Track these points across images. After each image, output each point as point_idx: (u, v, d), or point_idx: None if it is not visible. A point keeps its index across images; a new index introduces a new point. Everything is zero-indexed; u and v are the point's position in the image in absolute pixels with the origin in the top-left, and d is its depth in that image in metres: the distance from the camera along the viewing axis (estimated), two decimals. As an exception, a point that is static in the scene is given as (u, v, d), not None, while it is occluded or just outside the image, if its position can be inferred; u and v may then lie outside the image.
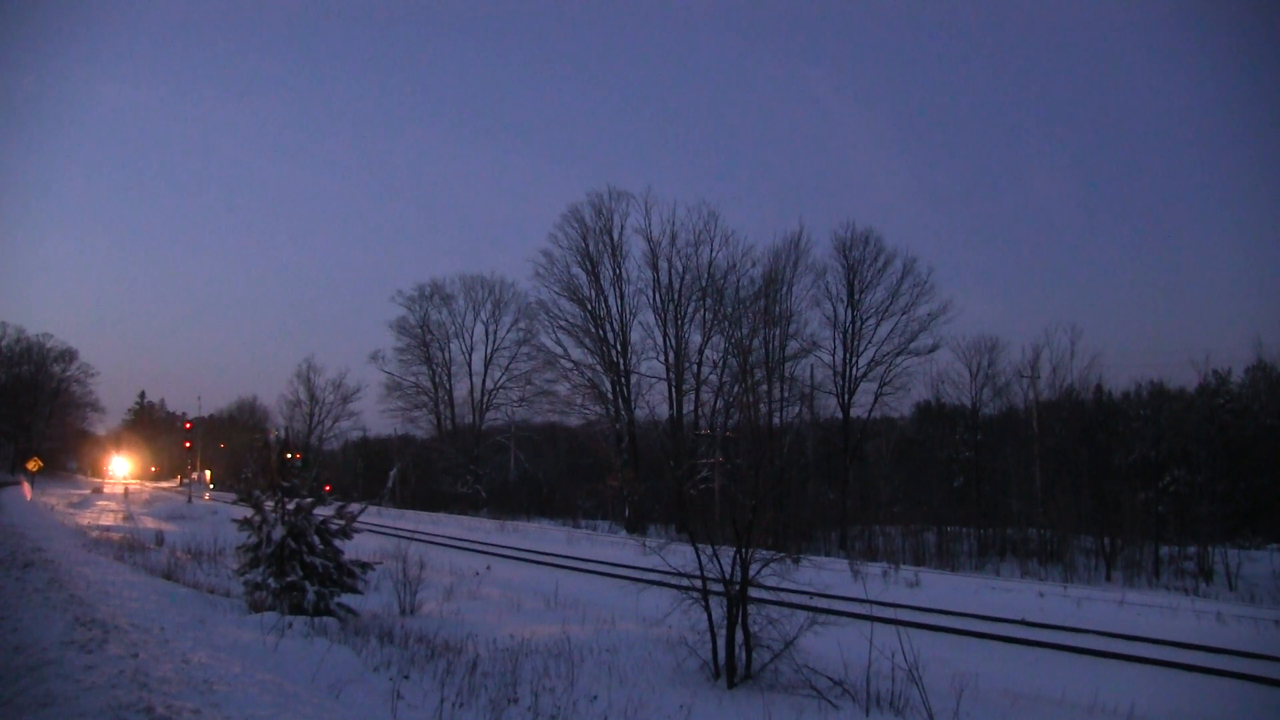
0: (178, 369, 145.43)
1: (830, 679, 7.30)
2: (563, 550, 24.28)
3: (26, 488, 40.67)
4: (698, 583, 8.19)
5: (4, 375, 74.46)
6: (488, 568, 18.62)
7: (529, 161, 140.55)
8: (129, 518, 28.47)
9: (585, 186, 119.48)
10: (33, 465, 54.16)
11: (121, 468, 47.73)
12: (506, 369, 57.19)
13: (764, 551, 8.52)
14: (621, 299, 45.22)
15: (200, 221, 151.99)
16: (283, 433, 62.58)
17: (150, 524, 26.40)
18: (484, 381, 58.04)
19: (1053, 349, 39.47)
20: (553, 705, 6.38)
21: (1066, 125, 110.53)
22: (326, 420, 71.37)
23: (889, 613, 9.10)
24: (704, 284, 42.88)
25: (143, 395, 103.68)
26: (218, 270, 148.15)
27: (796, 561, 11.32)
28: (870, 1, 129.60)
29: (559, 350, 47.51)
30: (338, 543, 10.34)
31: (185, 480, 59.88)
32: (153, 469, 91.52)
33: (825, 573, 17.05)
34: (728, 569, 8.11)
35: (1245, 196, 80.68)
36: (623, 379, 44.56)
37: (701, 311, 43.18)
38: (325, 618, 9.44)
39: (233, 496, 11.96)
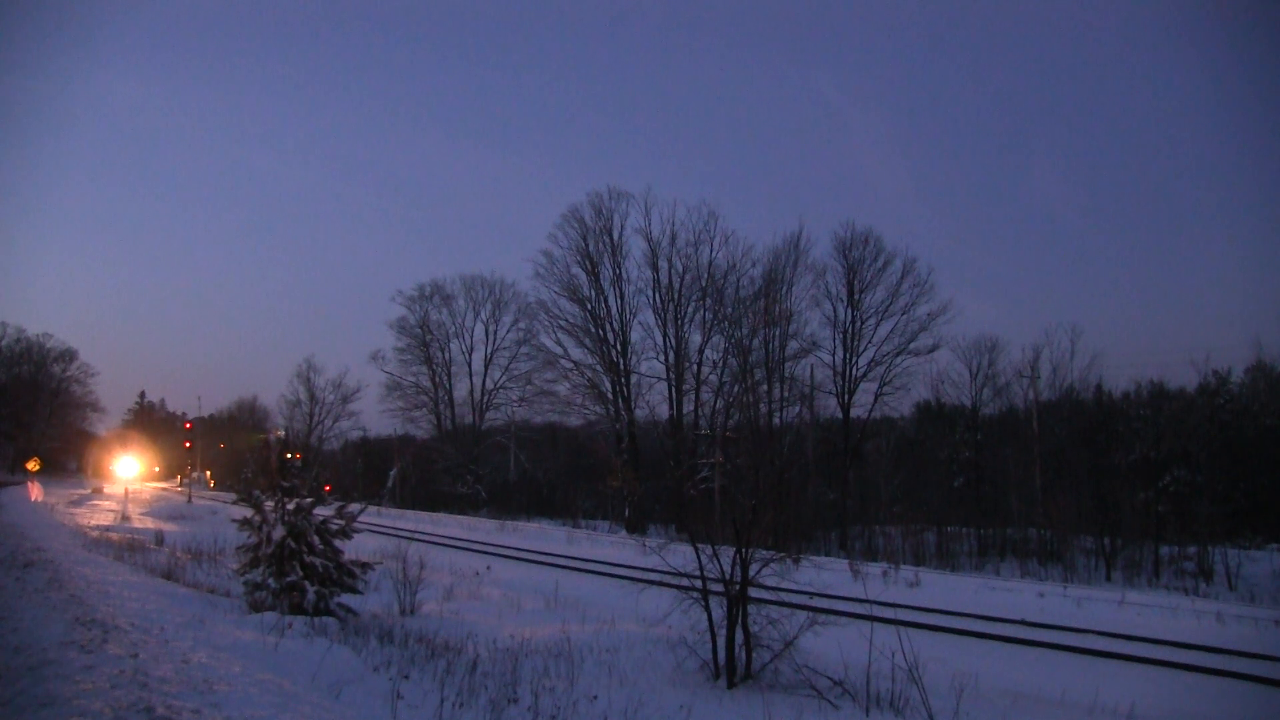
0: (178, 369, 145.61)
1: (830, 679, 7.30)
2: (563, 550, 24.28)
3: (35, 488, 40.52)
4: (698, 583, 8.18)
5: (4, 375, 74.50)
6: (488, 568, 18.62)
7: (529, 161, 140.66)
8: (128, 517, 28.46)
9: (585, 187, 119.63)
10: (32, 465, 54.17)
11: (125, 468, 47.74)
12: (506, 369, 57.27)
13: (764, 551, 8.51)
14: (621, 299, 45.31)
15: (200, 221, 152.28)
16: (283, 433, 62.70)
17: (150, 524, 26.40)
18: (484, 381, 58.12)
19: (1053, 349, 39.62)
20: (553, 705, 6.37)
21: (1066, 126, 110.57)
22: (326, 420, 71.44)
23: (889, 613, 9.08)
24: (704, 284, 42.94)
25: (143, 395, 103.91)
26: (218, 270, 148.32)
27: (797, 561, 11.30)
28: (870, 2, 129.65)
29: (559, 350, 47.62)
30: (338, 543, 10.34)
31: (185, 480, 59.86)
32: (154, 469, 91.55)
33: (825, 573, 17.03)
34: (728, 569, 8.10)
35: (1245, 196, 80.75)
36: (623, 379, 44.57)
37: (701, 311, 43.27)
38: (325, 618, 9.43)
39: (233, 496, 11.95)
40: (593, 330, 45.38)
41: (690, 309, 43.59)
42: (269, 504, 10.21)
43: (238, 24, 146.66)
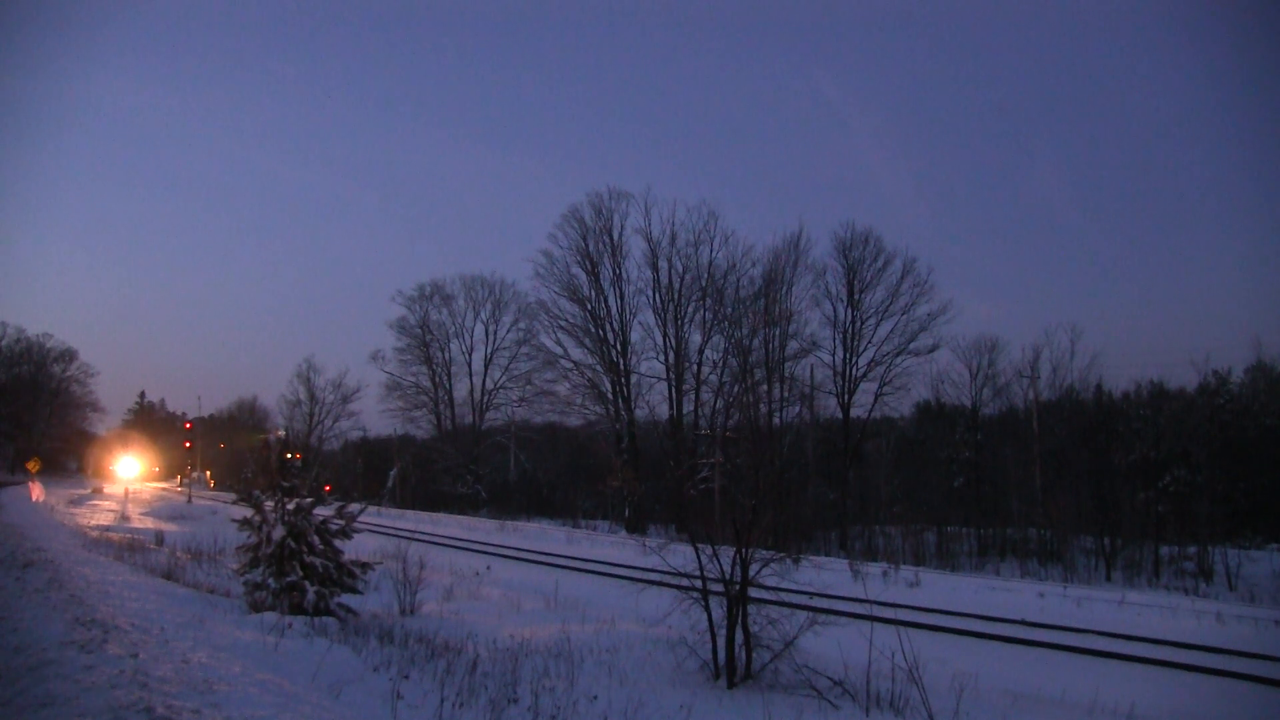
0: (178, 369, 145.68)
1: (830, 679, 7.29)
2: (563, 550, 24.28)
3: (35, 488, 40.48)
4: (698, 583, 8.18)
5: (4, 375, 74.51)
6: (488, 568, 18.62)
7: (529, 161, 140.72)
8: (128, 518, 28.46)
9: (585, 187, 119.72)
10: (32, 465, 54.09)
11: (125, 468, 47.89)
12: (506, 369, 57.31)
13: (764, 551, 8.51)
14: (621, 299, 45.30)
15: (200, 221, 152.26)
16: (283, 433, 62.61)
17: (150, 524, 26.41)
18: (484, 381, 58.13)
19: (1053, 349, 39.58)
20: (553, 705, 6.37)
21: (1066, 125, 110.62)
22: (326, 420, 71.46)
23: (889, 613, 9.08)
24: (704, 284, 42.93)
25: (143, 395, 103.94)
26: (218, 270, 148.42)
27: (796, 562, 11.32)
28: (870, 2, 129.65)
29: (559, 350, 47.62)
30: (338, 543, 10.33)
31: (185, 480, 59.87)
32: (154, 469, 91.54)
33: (825, 573, 17.05)
34: (728, 569, 8.10)
35: (1245, 196, 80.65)
36: (623, 379, 44.56)
37: (701, 311, 43.26)
38: (325, 618, 9.43)
39: (233, 496, 11.95)
40: (593, 330, 45.42)
41: (690, 309, 43.66)
42: (269, 504, 10.20)
43: (238, 24, 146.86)
